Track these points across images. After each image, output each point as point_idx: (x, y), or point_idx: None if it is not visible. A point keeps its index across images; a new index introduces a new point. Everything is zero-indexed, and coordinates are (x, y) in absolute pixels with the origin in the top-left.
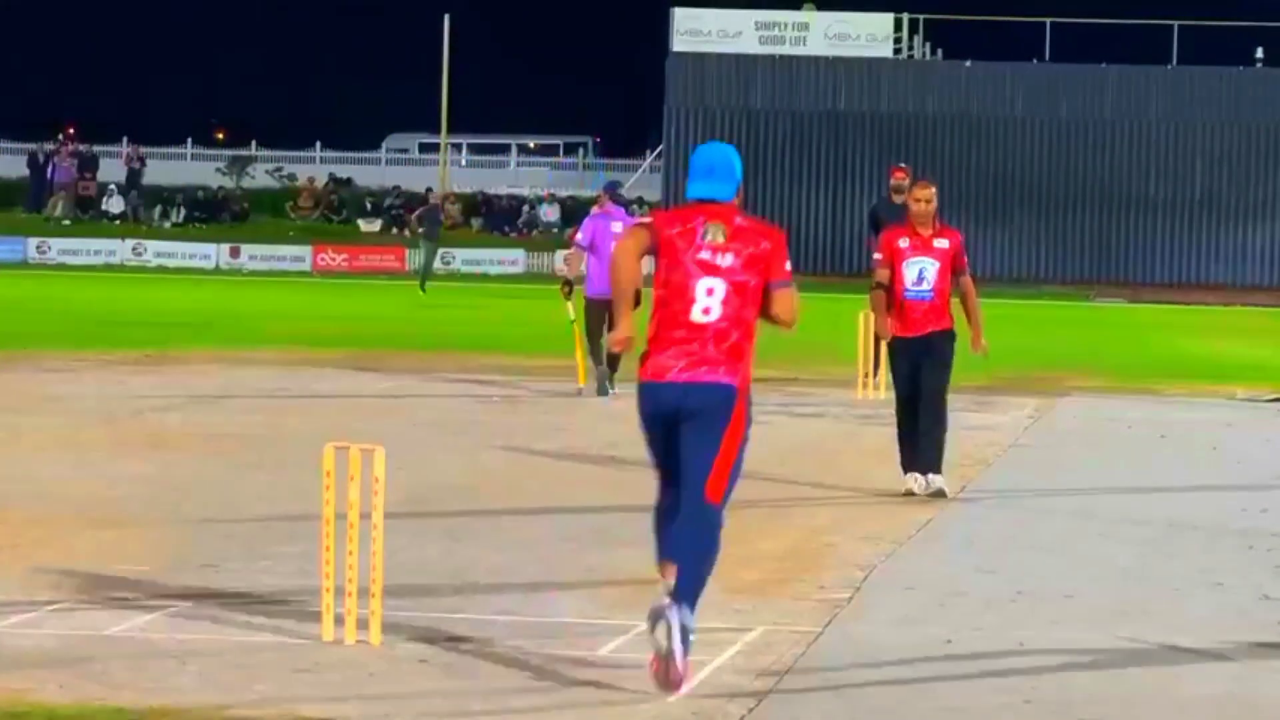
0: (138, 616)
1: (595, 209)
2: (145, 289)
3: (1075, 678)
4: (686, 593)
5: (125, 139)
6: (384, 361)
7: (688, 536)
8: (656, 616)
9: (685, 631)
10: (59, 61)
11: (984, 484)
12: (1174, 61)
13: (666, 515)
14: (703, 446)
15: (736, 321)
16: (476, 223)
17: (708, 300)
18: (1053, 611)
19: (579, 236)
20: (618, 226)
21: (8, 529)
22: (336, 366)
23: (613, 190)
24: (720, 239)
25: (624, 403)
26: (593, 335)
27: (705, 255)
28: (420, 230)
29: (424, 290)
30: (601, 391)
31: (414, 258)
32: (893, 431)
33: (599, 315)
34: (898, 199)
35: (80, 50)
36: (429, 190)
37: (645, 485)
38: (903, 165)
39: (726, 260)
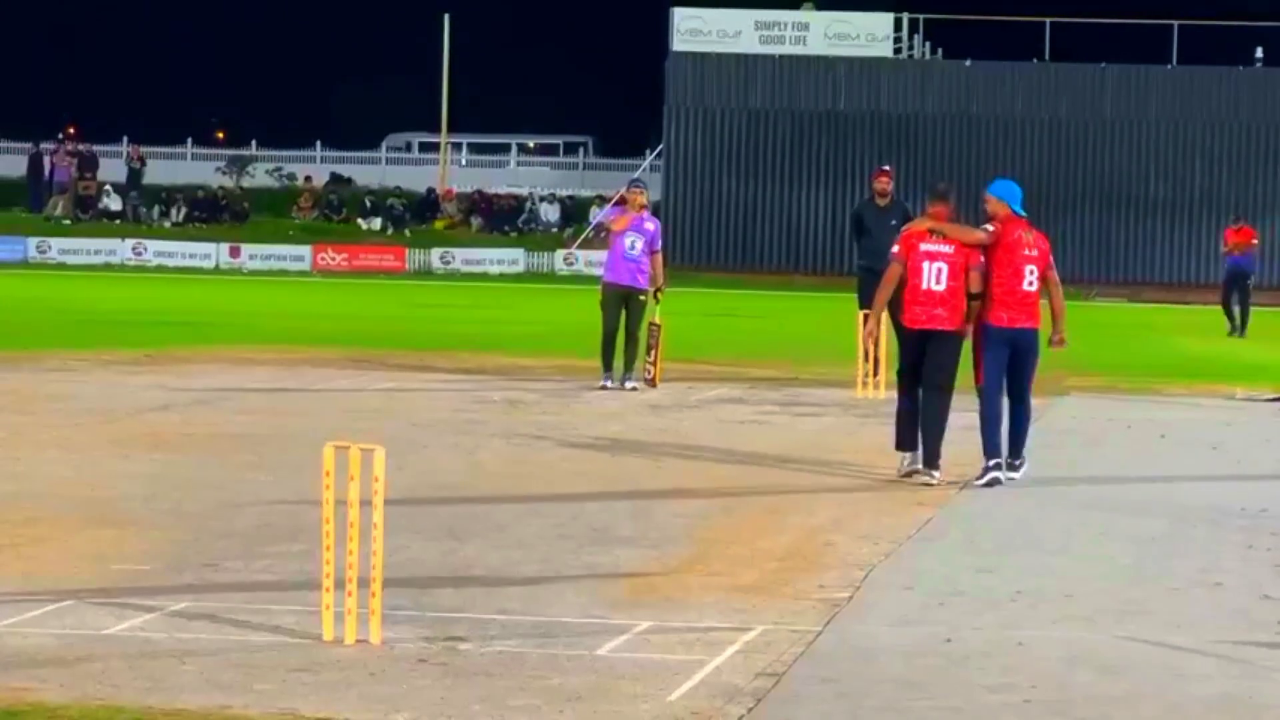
0: (138, 616)
1: (630, 209)
2: (145, 289)
3: (1075, 678)
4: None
5: (125, 139)
6: (384, 361)
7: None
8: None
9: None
10: (59, 61)
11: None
12: (1174, 61)
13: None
14: (1029, 366)
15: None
16: (476, 222)
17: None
18: (1053, 611)
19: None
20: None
21: (8, 529)
22: (336, 366)
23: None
24: (1030, 239)
25: (623, 402)
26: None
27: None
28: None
29: None
30: (632, 382)
31: (411, 258)
32: (892, 431)
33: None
34: (880, 201)
35: (80, 50)
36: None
37: (644, 485)
38: (887, 169)
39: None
